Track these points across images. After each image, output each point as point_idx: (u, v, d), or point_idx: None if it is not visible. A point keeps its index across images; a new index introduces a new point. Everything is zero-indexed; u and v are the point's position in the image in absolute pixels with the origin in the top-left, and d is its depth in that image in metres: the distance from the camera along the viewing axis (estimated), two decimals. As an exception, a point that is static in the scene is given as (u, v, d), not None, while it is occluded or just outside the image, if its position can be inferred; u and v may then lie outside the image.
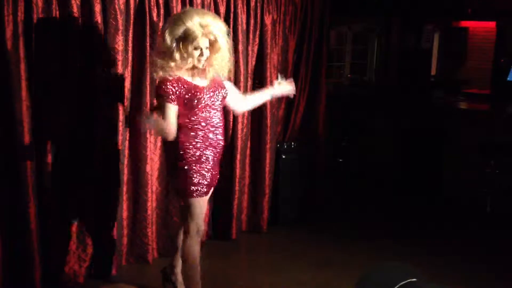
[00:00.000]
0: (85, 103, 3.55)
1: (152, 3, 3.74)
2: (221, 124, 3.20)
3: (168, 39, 2.99)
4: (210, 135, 3.13)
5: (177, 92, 3.04)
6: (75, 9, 3.39)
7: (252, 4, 4.37)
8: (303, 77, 5.01)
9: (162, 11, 3.80)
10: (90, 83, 3.54)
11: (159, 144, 4.00)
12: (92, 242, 3.73)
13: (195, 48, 3.02)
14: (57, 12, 3.35)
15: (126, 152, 3.83)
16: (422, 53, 7.95)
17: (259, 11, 4.42)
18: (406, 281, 1.45)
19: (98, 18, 3.48)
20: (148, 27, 3.75)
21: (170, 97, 3.03)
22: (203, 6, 4.02)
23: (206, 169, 3.16)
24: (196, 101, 3.06)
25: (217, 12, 4.13)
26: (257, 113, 4.53)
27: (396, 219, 5.30)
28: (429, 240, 4.73)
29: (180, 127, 3.09)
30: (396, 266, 1.65)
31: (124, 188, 3.85)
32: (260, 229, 4.74)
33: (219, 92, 3.18)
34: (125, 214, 3.89)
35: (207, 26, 3.00)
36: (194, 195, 3.15)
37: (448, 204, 5.66)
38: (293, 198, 5.01)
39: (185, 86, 3.06)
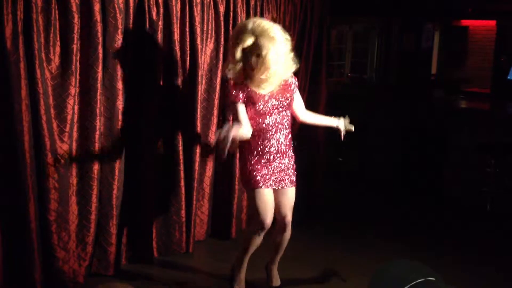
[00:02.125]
0: (83, 102, 3.55)
1: (151, 2, 3.74)
2: (284, 129, 3.40)
3: (230, 41, 3.29)
4: (268, 141, 3.36)
5: (241, 96, 3.25)
6: (74, 8, 3.38)
7: (252, 3, 4.36)
8: (303, 76, 5.00)
9: (161, 10, 3.79)
10: (89, 80, 3.54)
11: (158, 143, 4.00)
12: (92, 241, 3.73)
13: (244, 50, 3.17)
14: (57, 12, 3.35)
15: (125, 151, 3.82)
16: (423, 52, 7.94)
17: (258, 10, 4.42)
18: (424, 279, 1.45)
19: (98, 17, 3.48)
20: (147, 26, 3.75)
21: (236, 98, 3.25)
22: (202, 5, 4.01)
23: (265, 166, 3.35)
24: (256, 107, 3.25)
25: (216, 11, 4.13)
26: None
27: (396, 219, 5.29)
28: (429, 240, 4.73)
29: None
30: (413, 264, 1.64)
31: (124, 187, 3.85)
32: (260, 229, 4.73)
33: (282, 100, 3.33)
34: (124, 213, 3.89)
35: (250, 39, 3.16)
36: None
37: (448, 204, 5.65)
38: (293, 197, 5.00)
39: (247, 91, 3.25)
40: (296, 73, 4.91)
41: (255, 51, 3.14)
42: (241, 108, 3.27)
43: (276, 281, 3.73)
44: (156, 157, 4.00)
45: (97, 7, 3.46)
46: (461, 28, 8.75)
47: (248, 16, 4.34)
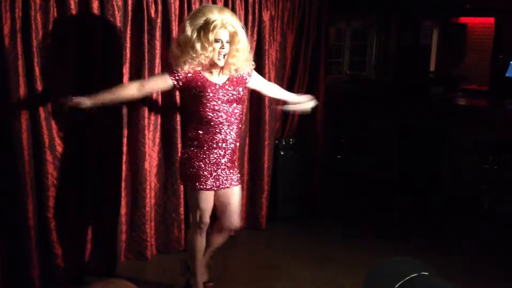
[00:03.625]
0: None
1: (149, 0, 3.74)
2: (234, 121, 3.22)
3: (189, 30, 3.05)
4: (217, 135, 3.18)
5: (183, 79, 3.13)
6: (72, 6, 3.38)
7: (250, 0, 4.36)
8: (302, 74, 5.00)
9: (160, 8, 3.79)
10: (88, 80, 3.54)
11: (157, 140, 4.00)
12: (91, 238, 3.74)
13: (216, 40, 3.06)
14: (55, 9, 3.35)
15: (125, 149, 3.83)
16: (421, 50, 7.95)
17: (257, 7, 4.42)
18: (417, 273, 1.45)
19: (96, 15, 3.48)
20: (146, 23, 3.75)
21: (172, 73, 3.13)
22: (201, 2, 4.01)
23: (208, 164, 3.19)
24: (204, 94, 3.11)
25: (215, 8, 4.13)
26: (256, 110, 4.54)
27: (394, 217, 5.30)
28: (428, 239, 4.73)
29: (190, 117, 3.25)
30: (407, 260, 1.64)
31: (123, 185, 3.85)
32: (259, 226, 4.75)
33: (238, 88, 3.21)
34: (123, 210, 3.90)
35: (227, 19, 3.08)
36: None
37: (448, 202, 5.66)
38: (292, 195, 5.02)
39: (197, 77, 3.12)
40: (294, 70, 4.98)
41: (226, 36, 3.08)
42: (157, 80, 3.24)
43: (206, 275, 3.62)
44: (154, 155, 4.00)
45: (95, 4, 3.46)
46: (460, 26, 8.77)
47: (246, 13, 4.34)
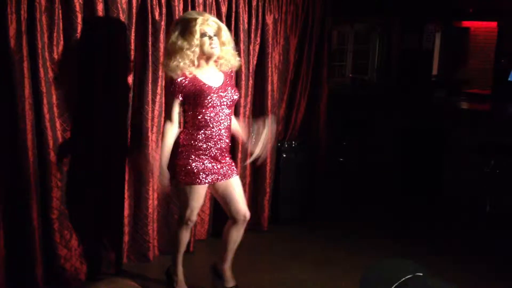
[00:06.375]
0: (87, 101, 3.57)
1: (154, 2, 3.76)
2: (226, 124, 3.31)
3: (173, 35, 3.17)
4: (213, 134, 3.27)
5: (183, 92, 3.20)
6: (77, 8, 3.40)
7: (254, 3, 4.38)
8: (304, 76, 5.02)
9: (164, 10, 3.81)
10: (92, 80, 3.56)
11: (160, 143, 4.01)
12: (94, 239, 3.76)
13: (202, 35, 3.16)
14: (60, 11, 3.37)
15: (127, 150, 3.84)
16: (424, 53, 7.95)
17: (260, 10, 4.44)
18: (412, 275, 1.46)
19: (101, 17, 3.50)
20: (150, 26, 3.77)
21: (175, 92, 3.20)
22: (205, 6, 4.03)
23: (206, 159, 3.27)
24: (203, 99, 3.19)
25: (219, 11, 4.15)
26: (258, 112, 4.55)
27: (396, 219, 5.31)
28: (429, 240, 4.74)
29: (185, 123, 3.30)
30: (401, 261, 1.66)
31: (126, 186, 3.87)
32: (260, 228, 4.76)
33: (231, 94, 3.30)
34: (126, 212, 3.91)
35: (207, 17, 3.23)
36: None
37: (448, 204, 5.67)
38: (294, 197, 5.03)
39: (194, 82, 3.19)
40: (297, 73, 4.99)
41: (210, 33, 3.18)
42: (175, 107, 3.26)
43: (233, 281, 3.66)
44: (157, 157, 4.01)
45: (100, 7, 3.49)
46: (462, 30, 8.77)
47: (250, 16, 4.36)
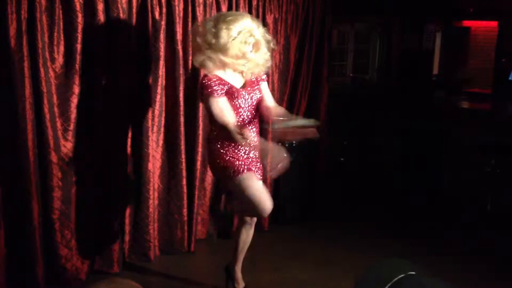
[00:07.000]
0: (88, 101, 3.57)
1: (154, 2, 3.76)
2: (255, 119, 3.31)
3: (225, 35, 3.06)
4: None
5: (220, 89, 3.14)
6: (78, 7, 3.41)
7: (254, 3, 4.38)
8: (305, 76, 5.02)
9: (164, 10, 3.82)
10: (93, 80, 3.56)
11: (161, 142, 4.02)
12: (94, 239, 3.76)
13: (246, 43, 3.12)
14: (60, 11, 3.37)
15: (128, 150, 3.85)
16: (424, 53, 7.94)
17: (260, 10, 4.44)
18: (404, 274, 1.46)
19: (101, 17, 3.50)
20: (150, 25, 3.77)
21: (216, 92, 3.11)
22: (205, 5, 4.03)
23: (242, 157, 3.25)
24: (234, 101, 3.17)
25: (219, 11, 4.15)
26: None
27: (396, 219, 5.31)
28: (429, 240, 4.74)
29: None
30: (394, 261, 1.65)
31: (126, 186, 3.87)
32: (261, 228, 4.75)
33: (254, 95, 3.27)
34: (127, 211, 3.91)
35: (259, 26, 3.21)
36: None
37: (448, 204, 5.67)
38: (294, 197, 5.03)
39: (224, 85, 3.15)
40: (298, 72, 4.99)
41: (250, 36, 3.14)
42: (224, 101, 3.13)
43: (242, 283, 3.65)
44: (158, 156, 4.02)
45: (100, 6, 3.49)
46: (463, 29, 8.76)
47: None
